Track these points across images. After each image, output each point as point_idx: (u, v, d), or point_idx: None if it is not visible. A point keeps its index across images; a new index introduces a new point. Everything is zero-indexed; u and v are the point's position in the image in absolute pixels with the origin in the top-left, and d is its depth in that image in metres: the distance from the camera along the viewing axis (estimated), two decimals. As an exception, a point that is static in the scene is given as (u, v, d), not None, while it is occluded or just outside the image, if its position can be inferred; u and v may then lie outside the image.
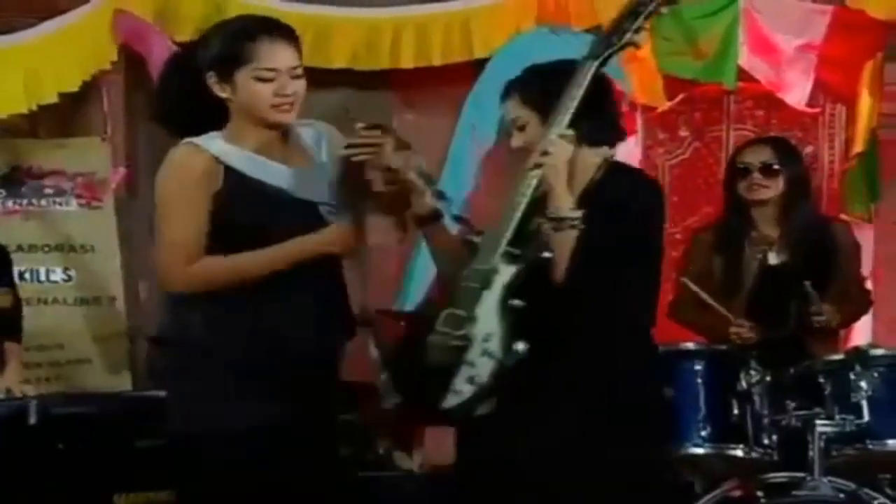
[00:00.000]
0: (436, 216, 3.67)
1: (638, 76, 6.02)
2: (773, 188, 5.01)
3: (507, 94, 3.73)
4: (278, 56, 3.51)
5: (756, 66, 6.07)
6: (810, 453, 4.39)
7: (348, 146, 3.58)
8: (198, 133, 3.56)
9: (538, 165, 3.51)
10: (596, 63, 3.56)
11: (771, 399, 4.52)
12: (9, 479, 4.48)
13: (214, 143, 3.54)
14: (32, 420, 4.57)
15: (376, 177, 3.59)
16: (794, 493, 4.41)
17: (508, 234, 3.51)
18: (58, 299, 6.09)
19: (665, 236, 3.77)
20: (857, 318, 5.33)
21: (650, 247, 3.64)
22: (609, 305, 3.52)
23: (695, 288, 4.88)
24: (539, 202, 3.53)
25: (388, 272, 6.18)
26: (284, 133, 3.61)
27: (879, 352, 4.59)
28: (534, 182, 3.51)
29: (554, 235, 3.47)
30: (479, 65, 6.07)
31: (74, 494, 4.57)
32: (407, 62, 6.15)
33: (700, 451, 4.48)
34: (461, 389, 3.46)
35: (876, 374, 4.48)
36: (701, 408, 4.51)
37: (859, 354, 4.55)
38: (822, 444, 4.39)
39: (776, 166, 5.02)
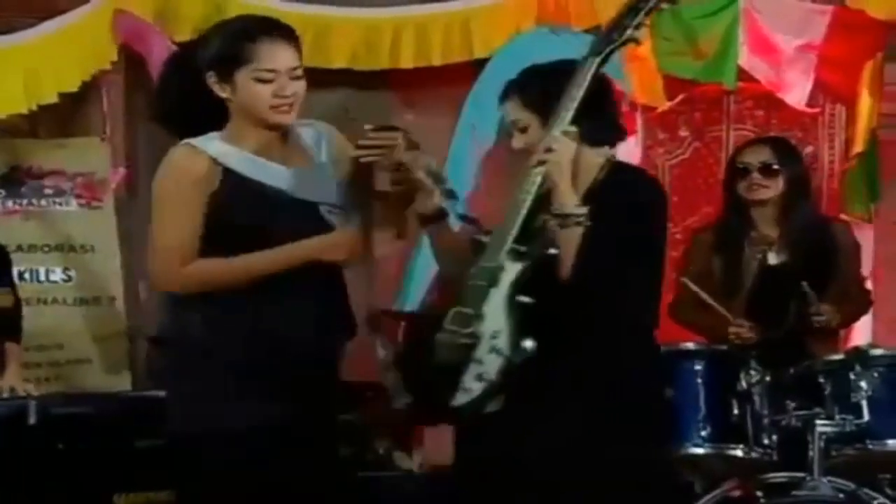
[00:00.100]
0: (440, 215, 3.67)
1: (638, 76, 6.02)
2: (773, 188, 5.01)
3: (506, 95, 3.73)
4: (278, 57, 3.51)
5: (756, 66, 6.07)
6: (810, 453, 4.39)
7: (359, 147, 3.58)
8: (198, 133, 3.56)
9: (542, 162, 3.51)
10: (597, 60, 3.56)
11: (771, 399, 4.52)
12: (8, 479, 4.48)
13: (213, 144, 3.54)
14: (32, 420, 4.57)
15: (383, 176, 3.59)
16: (793, 493, 4.41)
17: (514, 232, 3.51)
18: (57, 299, 6.08)
19: (668, 236, 3.78)
20: (857, 318, 5.33)
21: (653, 247, 3.64)
22: (613, 305, 3.52)
23: (694, 288, 4.88)
24: (544, 199, 3.54)
25: (388, 272, 6.17)
26: (284, 133, 3.61)
27: (879, 352, 4.59)
28: (538, 179, 3.52)
29: (560, 232, 3.48)
30: (478, 65, 6.07)
31: (74, 495, 4.57)
32: (407, 62, 6.15)
33: (700, 451, 4.48)
34: (470, 387, 3.47)
35: (876, 375, 4.48)
36: (701, 408, 4.51)
37: (859, 354, 4.55)
38: (821, 444, 4.39)
39: (776, 166, 5.01)
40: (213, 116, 3.56)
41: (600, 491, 3.50)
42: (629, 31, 3.56)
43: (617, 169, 3.69)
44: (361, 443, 5.28)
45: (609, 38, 3.57)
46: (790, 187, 5.02)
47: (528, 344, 3.42)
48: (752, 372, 4.52)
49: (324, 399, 3.62)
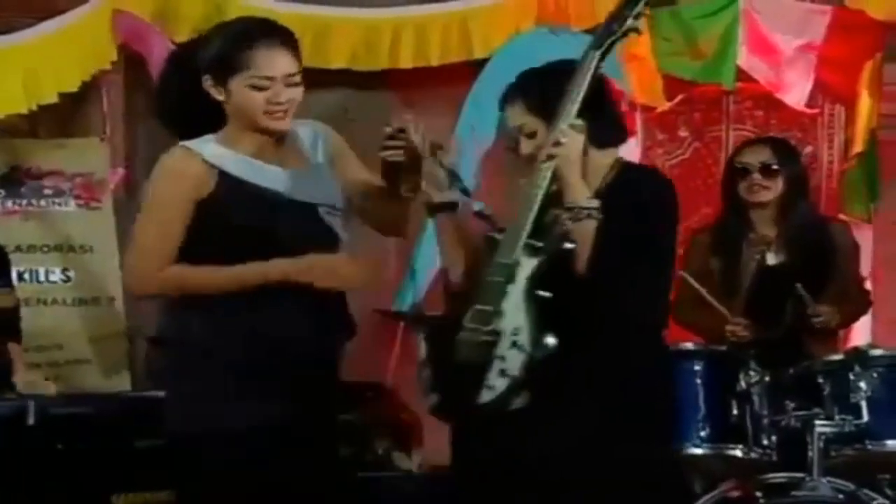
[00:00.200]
0: (450, 207, 3.67)
1: (637, 76, 6.02)
2: (773, 189, 5.01)
3: (508, 101, 3.70)
4: (275, 64, 3.49)
5: (755, 67, 6.08)
6: (809, 454, 4.39)
7: (385, 148, 3.57)
8: (198, 132, 3.55)
9: (551, 157, 3.50)
10: (599, 52, 3.55)
11: (770, 399, 4.52)
12: (8, 479, 4.48)
13: (208, 147, 3.54)
14: (31, 420, 4.58)
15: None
16: (793, 493, 4.41)
17: (528, 227, 3.50)
18: (57, 300, 6.09)
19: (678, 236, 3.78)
20: (856, 318, 5.33)
21: (663, 246, 3.64)
22: (623, 303, 3.51)
23: (695, 284, 4.87)
24: (555, 193, 3.53)
25: (388, 273, 6.18)
26: (280, 135, 3.60)
27: (879, 352, 4.59)
28: (548, 174, 3.51)
29: (573, 226, 3.47)
30: (478, 65, 6.07)
31: (73, 495, 4.58)
32: (406, 62, 6.16)
33: (699, 451, 4.48)
34: (494, 384, 3.47)
35: (875, 375, 4.48)
36: (700, 408, 4.51)
37: (858, 355, 4.55)
38: (821, 444, 4.39)
39: (775, 166, 5.01)
40: (213, 116, 3.56)
41: (606, 490, 3.49)
42: (630, 21, 3.55)
43: (626, 169, 3.69)
44: (361, 443, 5.28)
45: (610, 29, 3.56)
46: (789, 188, 5.02)
47: (550, 340, 3.43)
48: (752, 372, 4.52)
49: (323, 399, 3.62)
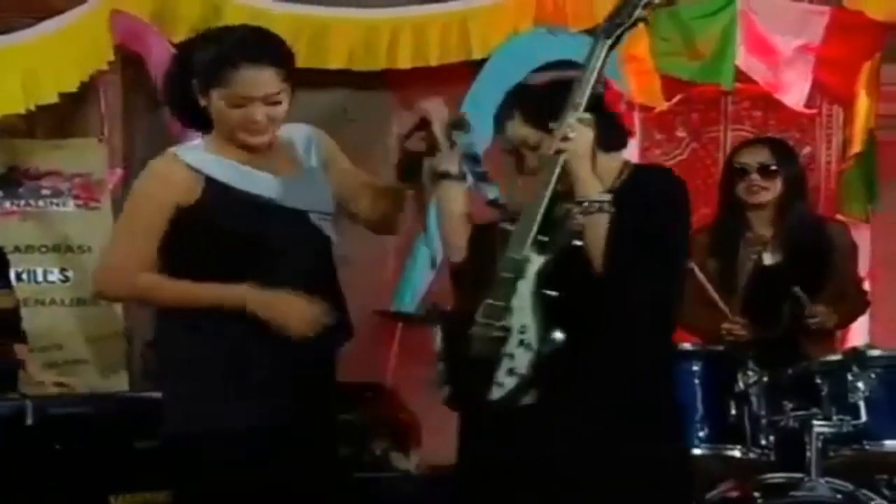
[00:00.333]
0: (448, 176, 3.65)
1: (635, 76, 6.02)
2: (772, 190, 5.01)
3: (504, 117, 3.67)
4: (256, 85, 3.47)
5: (754, 67, 6.08)
6: (808, 454, 4.39)
7: (406, 137, 3.58)
8: (203, 124, 3.57)
9: (559, 151, 3.48)
10: (609, 42, 3.51)
11: (768, 400, 4.52)
12: (6, 479, 4.47)
13: (194, 153, 3.54)
14: (29, 420, 4.57)
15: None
16: (791, 493, 4.41)
17: (537, 223, 3.49)
18: (55, 300, 6.08)
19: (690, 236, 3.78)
20: (854, 318, 5.34)
21: (678, 246, 3.63)
22: (635, 301, 3.50)
23: (701, 277, 4.87)
24: (564, 188, 3.51)
25: (386, 273, 6.18)
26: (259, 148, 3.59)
27: (877, 353, 4.59)
28: (557, 169, 3.49)
29: (585, 221, 3.46)
30: (477, 65, 6.07)
31: (72, 495, 4.57)
32: (404, 63, 6.15)
33: (697, 451, 4.48)
34: (503, 381, 3.47)
35: (873, 375, 4.48)
36: (698, 408, 4.51)
37: (857, 355, 4.55)
38: (819, 444, 4.39)
39: (774, 167, 5.02)
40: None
41: (613, 489, 3.49)
42: (639, 11, 3.52)
43: (639, 171, 3.68)
44: (359, 443, 5.28)
45: (620, 18, 3.52)
46: (788, 188, 5.03)
47: (558, 335, 3.43)
48: (750, 373, 4.52)
49: (322, 400, 3.62)
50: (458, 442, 3.75)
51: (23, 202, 6.11)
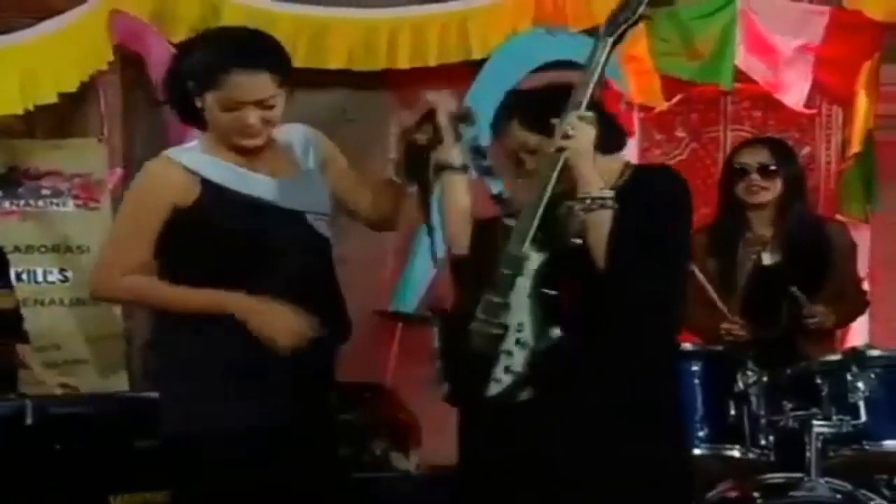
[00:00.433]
0: (450, 167, 3.65)
1: (635, 77, 6.02)
2: (772, 190, 5.01)
3: (501, 124, 3.68)
4: (249, 90, 3.47)
5: (753, 67, 6.08)
6: (807, 454, 4.39)
7: (412, 130, 3.59)
8: (203, 122, 3.57)
9: (560, 149, 3.48)
10: (611, 39, 3.51)
11: (768, 400, 4.52)
12: (6, 479, 4.47)
13: (190, 155, 3.54)
14: (29, 420, 4.57)
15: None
16: (790, 493, 4.40)
17: (537, 220, 3.49)
18: (54, 300, 6.08)
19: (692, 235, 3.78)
20: (853, 318, 5.33)
21: (680, 245, 3.63)
22: (637, 301, 3.50)
23: (702, 278, 4.87)
24: (566, 186, 3.51)
25: (386, 273, 6.18)
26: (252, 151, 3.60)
27: (876, 353, 4.59)
28: (558, 166, 3.48)
29: (587, 218, 3.46)
30: (476, 65, 6.07)
31: (71, 495, 4.57)
32: (404, 63, 6.15)
33: (697, 451, 4.47)
34: (500, 378, 3.49)
35: (873, 375, 4.48)
36: (698, 408, 4.51)
37: (856, 355, 4.55)
38: (818, 444, 4.39)
39: (773, 167, 5.01)
40: None
41: (613, 489, 3.49)
42: (641, 8, 3.52)
43: (640, 171, 3.68)
44: (359, 443, 5.28)
45: (623, 15, 3.52)
46: (787, 188, 5.03)
47: (555, 332, 3.43)
48: (749, 373, 4.52)
49: (322, 400, 3.62)
50: (459, 442, 3.75)
51: (22, 202, 6.11)
